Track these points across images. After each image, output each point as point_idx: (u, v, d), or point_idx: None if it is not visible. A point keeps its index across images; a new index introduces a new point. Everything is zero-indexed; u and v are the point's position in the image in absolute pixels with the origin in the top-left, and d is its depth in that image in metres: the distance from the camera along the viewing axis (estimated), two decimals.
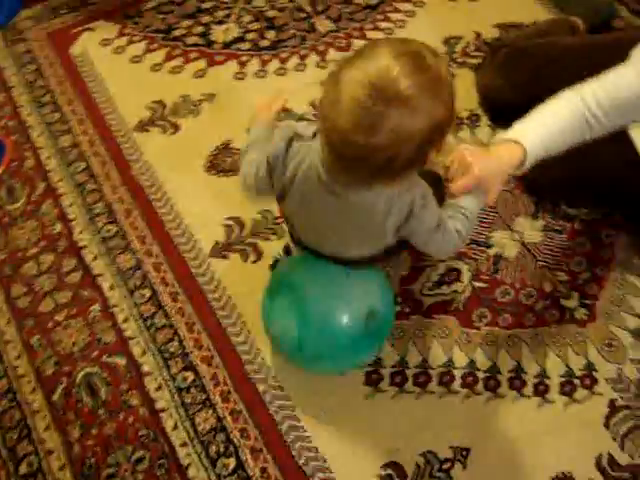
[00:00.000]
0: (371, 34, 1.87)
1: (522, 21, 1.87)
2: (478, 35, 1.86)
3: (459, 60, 1.79)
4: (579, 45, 1.54)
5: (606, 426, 1.26)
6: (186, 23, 1.91)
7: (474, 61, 1.79)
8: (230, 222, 1.52)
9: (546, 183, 1.49)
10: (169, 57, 1.82)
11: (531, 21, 1.85)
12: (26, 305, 1.43)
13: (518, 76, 1.52)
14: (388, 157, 0.84)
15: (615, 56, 1.38)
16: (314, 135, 1.00)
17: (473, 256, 1.46)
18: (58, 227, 1.54)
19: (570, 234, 1.50)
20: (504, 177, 1.12)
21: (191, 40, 1.86)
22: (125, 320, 1.40)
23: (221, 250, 1.49)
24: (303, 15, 1.92)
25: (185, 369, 1.34)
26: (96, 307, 1.43)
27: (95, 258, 1.49)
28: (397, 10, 1.93)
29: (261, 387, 1.31)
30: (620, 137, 1.29)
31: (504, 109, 1.40)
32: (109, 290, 1.44)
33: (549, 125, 1.13)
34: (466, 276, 1.44)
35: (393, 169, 0.87)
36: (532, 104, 1.18)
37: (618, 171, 1.37)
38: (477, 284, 1.43)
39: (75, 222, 1.54)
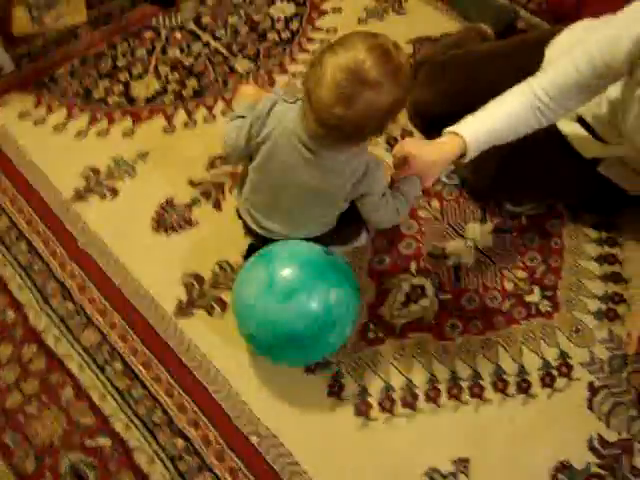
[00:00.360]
0: (292, 68, 1.89)
1: (432, 34, 1.94)
2: None
3: None
4: (494, 50, 1.62)
5: (590, 408, 1.32)
6: (104, 84, 1.87)
7: None
8: (189, 279, 1.50)
9: (486, 186, 1.55)
10: (93, 120, 1.78)
11: (441, 33, 1.93)
12: None
13: (443, 88, 1.57)
14: (359, 126, 1.07)
15: (527, 56, 1.48)
16: (296, 101, 1.19)
17: (433, 270, 1.50)
18: (11, 315, 1.48)
19: (518, 231, 1.56)
20: (444, 165, 1.28)
21: (112, 100, 1.83)
22: (101, 398, 1.36)
23: (185, 308, 1.46)
24: (220, 59, 1.92)
25: (173, 436, 1.31)
26: (68, 390, 1.37)
27: (57, 340, 1.43)
28: (311, 40, 1.96)
29: (254, 439, 1.30)
30: (550, 133, 1.37)
31: (435, 121, 1.46)
32: (78, 370, 1.39)
33: (496, 116, 1.24)
34: (430, 290, 1.47)
35: (361, 135, 1.12)
36: (461, 112, 1.27)
37: (551, 163, 1.45)
38: (442, 296, 1.46)
39: (28, 306, 1.48)
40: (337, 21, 2.01)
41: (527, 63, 1.40)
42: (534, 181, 1.51)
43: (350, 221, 1.33)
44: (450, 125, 1.26)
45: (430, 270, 1.50)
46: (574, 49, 1.21)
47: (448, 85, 1.57)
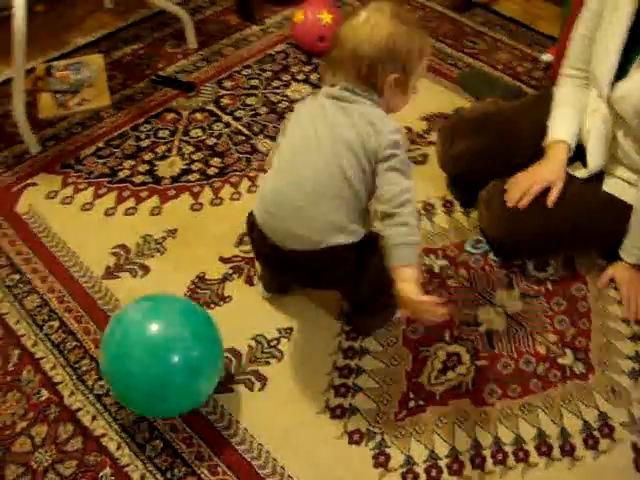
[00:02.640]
0: None
1: (445, 111, 2.03)
2: (409, 129, 2.01)
3: None
4: (521, 107, 1.77)
5: (637, 469, 1.32)
6: (129, 163, 1.93)
7: (418, 153, 1.94)
8: (226, 353, 1.51)
9: (513, 243, 1.62)
10: (120, 199, 1.82)
11: (453, 109, 2.03)
12: None
13: (479, 142, 1.68)
14: (371, 61, 1.22)
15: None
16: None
17: (467, 337, 1.53)
18: (45, 394, 1.46)
19: (546, 296, 1.60)
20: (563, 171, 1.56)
21: (138, 179, 1.88)
22: (142, 478, 1.33)
23: (225, 385, 1.46)
24: (242, 138, 2.00)
25: None
26: (107, 471, 1.34)
27: (94, 419, 1.41)
28: None
29: None
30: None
31: (471, 179, 1.72)
32: (116, 450, 1.37)
33: (567, 112, 1.58)
34: (466, 357, 1.49)
35: (375, 73, 1.24)
36: (495, 165, 1.58)
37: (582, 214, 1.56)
38: (478, 363, 1.48)
39: (63, 385, 1.47)
40: None
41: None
42: (562, 235, 1.58)
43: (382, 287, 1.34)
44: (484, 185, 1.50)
45: (464, 338, 1.53)
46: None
47: (485, 139, 1.67)
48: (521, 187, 1.54)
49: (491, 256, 1.68)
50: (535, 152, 1.59)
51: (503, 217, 1.57)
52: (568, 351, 1.50)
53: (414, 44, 1.23)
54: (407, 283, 1.18)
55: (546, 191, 1.53)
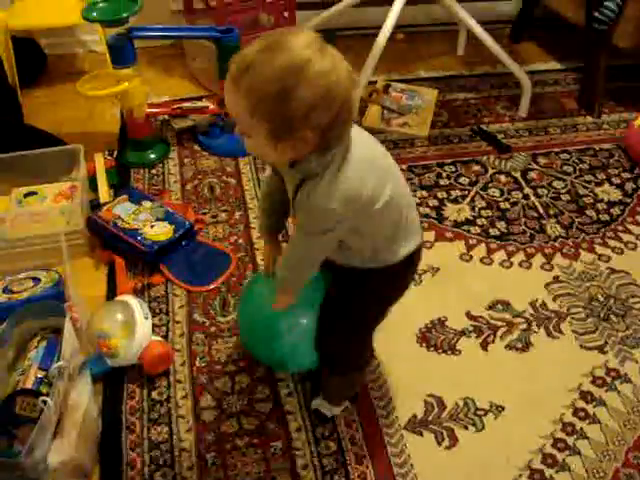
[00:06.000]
0: (600, 249, 1.85)
1: None
2: None
3: None
4: None
5: None
6: (421, 193, 2.00)
7: None
8: (431, 399, 1.48)
9: None
10: None
11: None
12: (211, 419, 1.43)
13: None
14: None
15: None
16: None
17: None
18: None
19: None
20: None
21: (424, 211, 1.94)
22: (304, 467, 1.35)
23: (417, 426, 1.43)
24: (535, 214, 1.95)
25: None
26: (278, 444, 1.39)
27: (289, 394, 1.48)
28: (628, 232, 1.91)
29: None
30: None
31: None
32: (295, 431, 1.41)
33: None
34: None
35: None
36: None
37: None
38: None
39: None
40: None
41: None
42: None
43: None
44: None
45: None
46: None
47: None
48: None
49: None
50: None
51: None
52: None
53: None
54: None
55: None
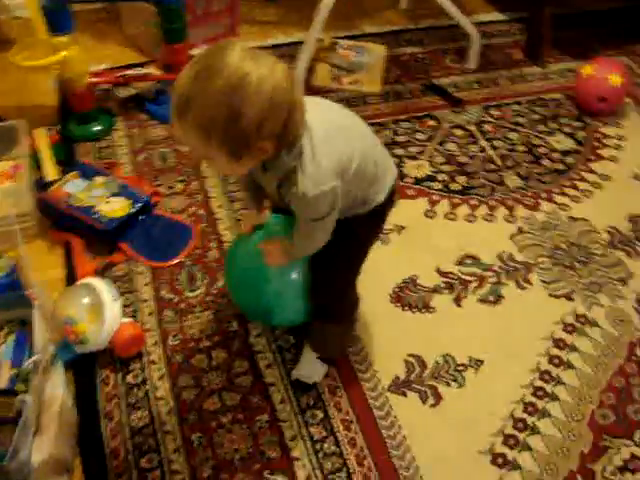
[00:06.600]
0: (559, 199, 1.88)
1: None
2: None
3: None
4: None
5: None
6: None
7: None
8: (411, 359, 1.48)
9: None
10: None
11: None
12: (191, 398, 1.39)
13: None
14: None
15: None
16: None
17: None
18: (234, 325, 1.53)
19: None
20: None
21: None
22: (292, 438, 1.34)
23: (400, 386, 1.43)
24: (493, 167, 1.96)
25: None
26: (264, 417, 1.37)
27: (269, 366, 1.45)
28: (584, 179, 1.95)
29: None
30: None
31: None
32: (279, 403, 1.39)
33: None
34: None
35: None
36: None
37: None
38: None
39: (252, 324, 1.52)
40: (612, 170, 2.00)
41: None
42: None
43: None
44: None
45: None
46: None
47: None
48: None
49: None
50: None
51: None
52: None
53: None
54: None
55: None
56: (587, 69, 2.16)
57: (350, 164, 1.11)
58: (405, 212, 1.80)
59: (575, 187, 1.93)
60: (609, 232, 1.80)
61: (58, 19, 1.72)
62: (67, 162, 1.84)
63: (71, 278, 1.58)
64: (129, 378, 1.41)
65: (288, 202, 1.11)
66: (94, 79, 1.93)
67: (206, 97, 0.91)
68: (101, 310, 1.40)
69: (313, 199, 1.06)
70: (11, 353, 1.23)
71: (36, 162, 1.81)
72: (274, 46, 2.36)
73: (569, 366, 1.49)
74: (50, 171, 1.79)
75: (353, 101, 2.15)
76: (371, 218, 1.25)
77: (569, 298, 1.63)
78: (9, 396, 1.08)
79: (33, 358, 1.14)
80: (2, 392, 1.12)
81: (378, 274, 1.63)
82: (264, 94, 0.92)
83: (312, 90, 2.15)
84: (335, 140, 1.08)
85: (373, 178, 1.19)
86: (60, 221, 1.68)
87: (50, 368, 1.24)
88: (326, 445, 1.33)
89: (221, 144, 0.96)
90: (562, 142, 2.08)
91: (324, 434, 1.35)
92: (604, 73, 2.12)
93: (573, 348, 1.52)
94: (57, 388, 1.23)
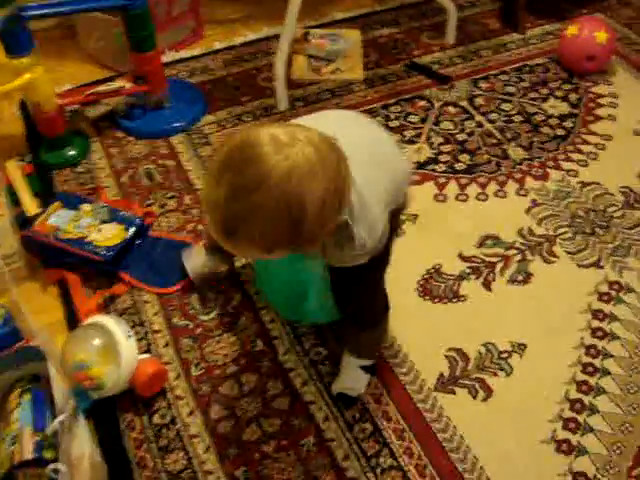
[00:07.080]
0: (566, 165, 1.82)
1: None
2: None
3: None
4: None
5: None
6: None
7: None
8: (452, 353, 1.39)
9: None
10: None
11: None
12: (228, 431, 1.28)
13: None
14: None
15: None
16: None
17: None
18: (259, 344, 1.41)
19: None
20: None
21: None
22: (345, 458, 1.24)
23: (447, 384, 1.35)
24: (494, 141, 1.89)
25: None
26: (310, 440, 1.27)
27: (304, 384, 1.35)
28: (587, 142, 1.88)
29: None
30: None
31: None
32: (323, 421, 1.29)
33: None
34: None
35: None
36: None
37: None
38: None
39: (279, 341, 1.42)
40: (612, 129, 1.94)
41: None
42: None
43: None
44: None
45: None
46: None
47: None
48: None
49: None
50: None
51: None
52: None
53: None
54: None
55: None
56: (571, 29, 2.09)
57: (392, 184, 1.08)
58: (414, 199, 1.69)
59: (579, 151, 1.86)
60: (622, 192, 1.74)
61: (17, 39, 1.57)
62: (46, 193, 1.69)
63: (72, 318, 1.45)
64: (156, 419, 1.29)
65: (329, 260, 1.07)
66: (63, 100, 1.78)
67: (257, 217, 0.81)
68: (115, 350, 1.27)
69: (368, 247, 1.00)
70: (30, 417, 1.08)
71: (11, 197, 1.67)
72: (243, 44, 2.24)
73: (613, 337, 1.43)
74: (29, 205, 1.64)
75: (337, 91, 2.05)
76: (396, 217, 1.20)
77: (598, 266, 1.56)
78: (39, 467, 0.95)
79: (58, 419, 1.01)
80: (31, 463, 0.99)
81: (400, 268, 1.50)
82: (318, 183, 0.82)
83: (293, 84, 2.04)
84: (374, 172, 1.02)
85: (396, 181, 1.13)
86: (50, 258, 1.53)
87: (73, 423, 1.12)
88: (382, 459, 1.24)
89: (287, 247, 0.88)
90: (557, 107, 2.01)
91: (377, 448, 1.25)
92: (589, 31, 2.05)
93: (613, 317, 1.46)
94: (83, 443, 1.12)
